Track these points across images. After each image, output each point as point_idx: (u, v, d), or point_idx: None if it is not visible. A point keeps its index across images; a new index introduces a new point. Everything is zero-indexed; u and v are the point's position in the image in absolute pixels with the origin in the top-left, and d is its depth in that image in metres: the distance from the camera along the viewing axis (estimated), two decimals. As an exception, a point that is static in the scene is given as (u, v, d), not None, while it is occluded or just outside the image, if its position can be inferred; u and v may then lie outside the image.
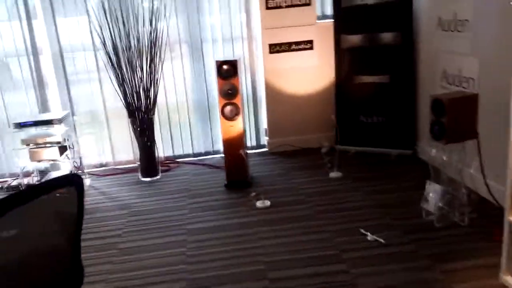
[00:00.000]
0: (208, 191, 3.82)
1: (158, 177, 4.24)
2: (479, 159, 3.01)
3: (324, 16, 4.52)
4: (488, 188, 3.09)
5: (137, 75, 4.04)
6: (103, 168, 4.57)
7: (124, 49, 4.00)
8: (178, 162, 4.59)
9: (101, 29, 3.95)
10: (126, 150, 4.51)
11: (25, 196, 1.45)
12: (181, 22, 4.38)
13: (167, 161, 4.57)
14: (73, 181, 1.62)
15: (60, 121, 3.87)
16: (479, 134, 2.91)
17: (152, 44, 4.03)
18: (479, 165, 3.03)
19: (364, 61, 4.28)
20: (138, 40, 4.00)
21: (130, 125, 4.21)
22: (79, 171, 4.19)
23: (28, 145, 3.82)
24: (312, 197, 3.51)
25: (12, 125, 3.83)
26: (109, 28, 3.96)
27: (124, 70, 4.03)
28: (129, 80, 4.04)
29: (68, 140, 3.95)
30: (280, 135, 4.65)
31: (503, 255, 2.26)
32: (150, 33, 4.02)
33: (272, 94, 4.56)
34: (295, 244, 2.85)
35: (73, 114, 4.31)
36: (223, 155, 3.87)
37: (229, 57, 4.20)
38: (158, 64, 4.11)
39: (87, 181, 4.18)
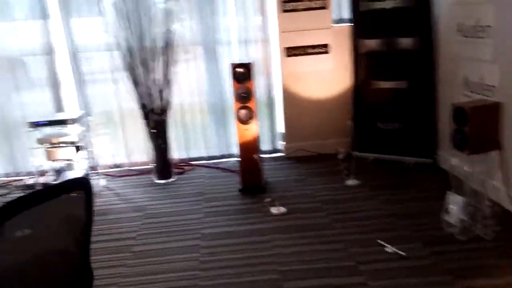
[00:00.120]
0: (222, 196, 3.77)
1: (172, 179, 4.21)
2: (502, 170, 2.92)
3: (340, 20, 4.46)
4: None
5: (151, 76, 4.02)
6: (118, 169, 4.56)
7: (139, 50, 3.98)
8: (192, 165, 4.56)
9: (116, 30, 3.94)
10: (141, 151, 4.50)
11: (33, 200, 1.44)
12: (196, 24, 4.35)
13: (181, 164, 4.55)
14: (82, 185, 1.59)
15: (75, 121, 3.87)
16: (502, 145, 2.82)
17: (167, 45, 4.01)
18: (503, 177, 2.93)
19: (381, 66, 4.21)
20: (153, 41, 3.98)
21: (144, 126, 4.19)
22: (94, 172, 4.19)
23: (43, 144, 3.83)
24: (328, 204, 3.44)
25: (26, 124, 3.84)
26: (125, 29, 3.95)
27: (139, 71, 4.01)
28: (144, 81, 4.02)
29: (83, 140, 3.95)
30: (296, 139, 4.59)
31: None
32: (165, 35, 3.99)
33: (289, 98, 4.50)
34: (310, 254, 2.79)
35: (88, 114, 4.31)
36: (238, 158, 3.82)
37: (245, 60, 4.16)
38: (173, 66, 4.09)
39: (101, 182, 4.18)
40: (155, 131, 4.13)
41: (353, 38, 4.32)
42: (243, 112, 3.69)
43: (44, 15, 4.18)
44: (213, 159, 4.64)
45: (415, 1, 3.96)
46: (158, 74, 4.03)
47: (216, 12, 4.35)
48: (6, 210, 1.35)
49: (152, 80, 4.03)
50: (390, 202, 3.39)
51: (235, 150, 4.27)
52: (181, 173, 4.36)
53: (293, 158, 4.54)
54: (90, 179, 3.86)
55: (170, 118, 4.24)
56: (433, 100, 4.06)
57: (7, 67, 4.26)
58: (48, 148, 3.85)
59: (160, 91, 4.07)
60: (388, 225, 3.05)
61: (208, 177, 4.23)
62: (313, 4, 4.29)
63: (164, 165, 4.21)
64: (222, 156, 4.65)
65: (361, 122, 4.36)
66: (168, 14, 4.00)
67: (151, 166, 4.27)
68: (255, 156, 3.72)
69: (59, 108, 4.40)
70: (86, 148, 4.02)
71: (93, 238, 3.21)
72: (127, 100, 4.28)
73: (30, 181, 4.16)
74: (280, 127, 4.67)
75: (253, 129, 3.72)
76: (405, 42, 4.03)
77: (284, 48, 4.38)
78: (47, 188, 1.58)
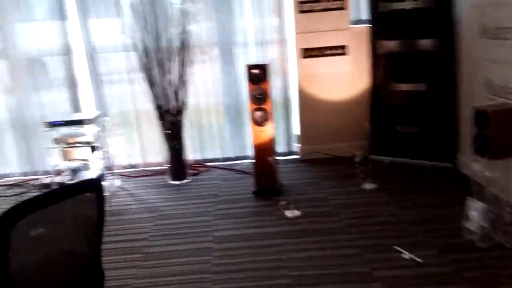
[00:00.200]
0: (236, 198, 3.74)
1: (186, 180, 4.20)
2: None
3: (358, 21, 4.39)
4: (535, 208, 2.88)
5: (167, 77, 4.02)
6: (133, 169, 4.57)
7: (155, 51, 3.98)
8: (207, 166, 4.54)
9: (133, 31, 3.95)
10: (156, 152, 4.50)
11: (45, 200, 1.45)
12: (213, 25, 4.33)
13: (196, 165, 4.53)
14: (93, 186, 1.58)
15: (91, 121, 3.89)
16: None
17: (183, 46, 4.00)
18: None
19: (400, 67, 4.13)
20: (169, 42, 3.98)
21: (160, 127, 4.19)
22: (109, 172, 4.21)
23: (60, 144, 3.87)
24: (343, 208, 3.37)
25: (43, 124, 3.88)
26: (141, 30, 3.96)
27: (155, 72, 4.01)
28: (159, 82, 4.02)
29: (98, 140, 3.97)
30: (312, 142, 4.53)
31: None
32: (181, 35, 3.98)
33: (305, 99, 4.45)
34: (324, 259, 2.73)
35: (104, 115, 4.33)
36: (252, 160, 3.79)
37: (261, 61, 4.13)
38: (189, 67, 4.08)
39: (116, 182, 4.19)
40: (170, 132, 4.12)
41: (371, 39, 4.25)
42: (258, 113, 3.65)
43: (62, 16, 4.22)
44: (228, 161, 4.61)
45: (436, 1, 3.88)
46: (174, 75, 4.03)
47: (233, 13, 4.33)
48: (19, 209, 1.36)
49: (168, 81, 4.03)
50: (407, 207, 3.30)
51: (250, 151, 4.23)
52: (195, 174, 4.34)
53: (309, 161, 4.48)
54: (102, 180, 3.90)
55: (185, 119, 4.23)
56: (454, 103, 3.95)
57: (27, 67, 4.31)
58: (64, 148, 3.88)
59: (176, 92, 4.06)
60: (405, 231, 2.97)
61: (223, 179, 4.21)
62: (330, 5, 4.23)
63: (178, 166, 4.20)
64: (237, 158, 4.62)
65: (378, 124, 4.28)
66: (185, 15, 4.00)
67: (166, 167, 4.27)
68: (269, 159, 3.68)
69: (77, 108, 4.44)
70: (101, 148, 4.04)
71: (107, 239, 3.22)
72: (143, 101, 4.29)
73: (46, 180, 4.20)
74: (296, 129, 4.62)
75: (268, 131, 3.68)
76: (425, 43, 3.95)
77: (301, 49, 4.33)
78: (58, 189, 1.58)
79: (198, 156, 4.60)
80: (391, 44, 4.13)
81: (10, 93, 4.34)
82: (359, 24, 4.37)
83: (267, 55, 4.40)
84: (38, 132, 4.34)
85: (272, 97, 3.75)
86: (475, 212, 2.73)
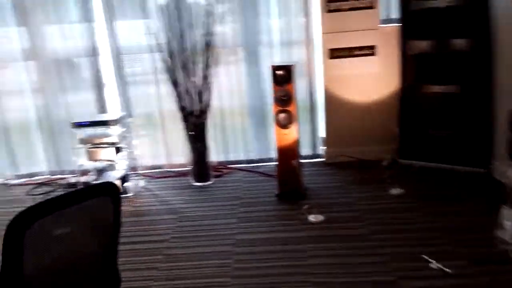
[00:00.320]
0: (259, 201, 3.69)
1: (210, 182, 4.17)
2: None
3: (388, 20, 4.26)
4: None
5: (191, 78, 4.01)
6: (157, 170, 4.58)
7: (180, 52, 3.97)
8: (230, 168, 4.51)
9: (158, 32, 3.96)
10: (180, 154, 4.50)
11: (63, 201, 1.47)
12: (238, 26, 4.30)
13: (219, 166, 4.51)
14: (108, 191, 1.56)
15: (116, 122, 3.92)
16: None
17: (208, 47, 3.98)
18: None
19: (432, 69, 3.98)
20: (194, 43, 3.97)
21: (184, 128, 4.19)
22: (133, 172, 4.23)
23: (85, 144, 3.92)
24: (369, 214, 3.26)
25: (70, 124, 3.94)
26: (166, 31, 3.96)
27: (179, 73, 4.00)
28: (184, 83, 4.02)
29: (123, 141, 4.00)
30: (338, 145, 4.42)
31: None
32: (206, 36, 3.97)
33: (332, 101, 4.35)
34: (348, 266, 2.64)
35: (129, 116, 4.36)
36: (276, 163, 3.73)
37: (286, 62, 4.06)
38: (213, 68, 4.06)
39: (140, 183, 4.21)
40: (193, 133, 4.11)
41: (401, 39, 4.11)
42: (282, 115, 3.59)
43: (89, 18, 4.28)
44: (252, 163, 4.57)
45: (471, -1, 3.72)
46: (198, 76, 4.02)
47: (259, 13, 4.28)
48: (37, 209, 1.38)
49: (192, 82, 4.02)
50: (437, 214, 3.16)
51: (274, 154, 4.17)
52: (219, 176, 4.32)
53: (334, 164, 4.38)
54: (125, 181, 3.93)
55: (209, 120, 4.21)
56: (489, 106, 3.77)
57: (54, 68, 4.39)
58: (90, 148, 3.93)
59: (200, 93, 4.05)
60: (434, 239, 2.84)
61: (246, 181, 4.16)
62: (359, 4, 4.12)
63: (202, 167, 4.19)
64: (261, 160, 4.57)
65: (408, 127, 4.14)
66: (209, 16, 3.98)
67: (189, 168, 4.26)
68: (293, 162, 3.61)
69: (103, 109, 4.49)
70: (126, 149, 4.07)
71: (128, 239, 3.24)
72: (167, 102, 4.29)
73: (72, 180, 4.26)
74: (322, 132, 4.52)
75: (293, 133, 3.61)
76: (459, 43, 3.79)
77: (328, 49, 4.23)
78: (74, 192, 1.57)
79: (222, 158, 4.57)
80: (422, 44, 3.99)
81: (38, 93, 4.44)
82: (389, 23, 4.24)
83: (293, 56, 4.33)
84: (65, 132, 4.41)
85: (298, 99, 3.68)
86: (509, 221, 2.59)
